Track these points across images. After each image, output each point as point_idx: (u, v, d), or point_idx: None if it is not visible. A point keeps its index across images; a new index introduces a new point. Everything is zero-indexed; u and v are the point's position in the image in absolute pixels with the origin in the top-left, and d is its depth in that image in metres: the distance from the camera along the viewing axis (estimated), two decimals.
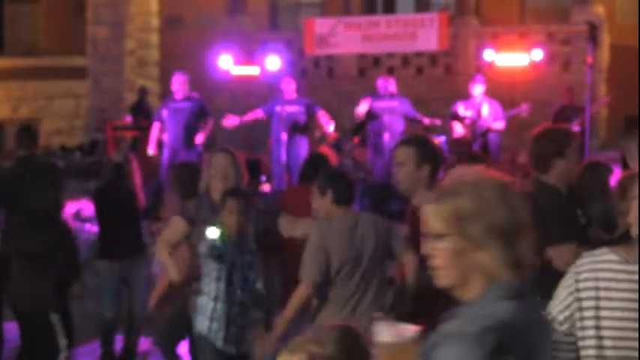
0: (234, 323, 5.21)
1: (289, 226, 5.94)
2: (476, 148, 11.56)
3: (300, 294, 4.84)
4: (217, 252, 5.18)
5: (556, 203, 4.47)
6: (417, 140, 4.80)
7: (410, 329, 2.60)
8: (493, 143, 11.83)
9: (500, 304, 2.22)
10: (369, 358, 2.24)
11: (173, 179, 6.55)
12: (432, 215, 2.33)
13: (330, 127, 11.67)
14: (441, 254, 2.31)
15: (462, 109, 11.77)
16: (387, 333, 2.55)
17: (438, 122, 12.10)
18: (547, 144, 4.54)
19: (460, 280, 2.30)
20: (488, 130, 11.72)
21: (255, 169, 10.19)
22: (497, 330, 2.15)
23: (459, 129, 11.73)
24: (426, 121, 12.01)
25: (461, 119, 11.74)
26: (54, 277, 6.33)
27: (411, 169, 4.66)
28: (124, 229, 7.28)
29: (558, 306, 2.61)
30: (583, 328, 2.55)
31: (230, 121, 11.87)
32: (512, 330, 2.19)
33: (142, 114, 14.14)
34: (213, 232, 5.19)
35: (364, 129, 12.36)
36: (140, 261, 7.24)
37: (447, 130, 12.13)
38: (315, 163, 6.81)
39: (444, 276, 2.33)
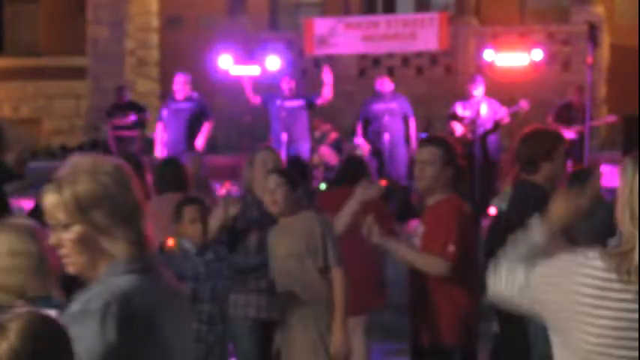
0: (204, 341, 5.04)
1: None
2: (476, 148, 11.55)
3: (343, 281, 5.13)
4: (178, 270, 4.98)
5: (546, 198, 4.50)
6: (444, 141, 4.92)
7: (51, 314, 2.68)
8: (492, 144, 11.82)
9: (120, 278, 2.34)
10: (65, 344, 2.16)
11: (154, 173, 6.55)
12: (54, 206, 2.38)
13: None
14: (67, 244, 2.39)
15: (460, 109, 11.77)
16: None
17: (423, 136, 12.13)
18: (536, 146, 4.58)
19: (89, 265, 2.39)
20: (490, 132, 11.69)
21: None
22: (118, 302, 2.27)
23: (458, 129, 11.72)
24: (412, 133, 11.98)
25: (460, 119, 11.73)
26: None
27: (437, 168, 4.77)
28: None
29: (536, 284, 2.51)
30: (553, 328, 2.50)
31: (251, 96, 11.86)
32: (135, 300, 2.30)
33: (122, 112, 14.03)
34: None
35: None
36: None
37: (446, 130, 12.12)
38: (352, 165, 6.90)
39: (72, 264, 2.41)
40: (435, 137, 5.20)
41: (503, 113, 11.62)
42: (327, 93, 11.67)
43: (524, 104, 11.51)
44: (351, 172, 6.73)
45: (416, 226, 4.96)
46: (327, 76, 11.69)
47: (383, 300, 6.65)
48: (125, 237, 2.39)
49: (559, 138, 4.74)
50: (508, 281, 2.61)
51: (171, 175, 6.36)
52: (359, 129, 12.26)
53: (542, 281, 2.51)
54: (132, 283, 2.35)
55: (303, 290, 5.16)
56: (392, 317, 7.36)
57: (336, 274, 5.14)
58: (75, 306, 2.32)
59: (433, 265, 4.70)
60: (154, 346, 2.35)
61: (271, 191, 5.23)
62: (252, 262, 5.40)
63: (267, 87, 13.26)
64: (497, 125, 11.73)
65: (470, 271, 4.85)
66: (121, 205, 2.40)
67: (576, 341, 2.43)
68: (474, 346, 5.07)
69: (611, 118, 13.15)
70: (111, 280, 2.35)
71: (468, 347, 4.90)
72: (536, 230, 2.72)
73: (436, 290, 4.81)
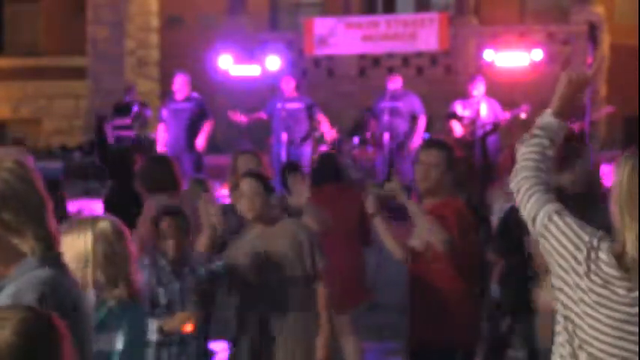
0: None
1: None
2: (476, 149, 11.53)
3: (328, 291, 5.00)
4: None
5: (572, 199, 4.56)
6: (447, 144, 4.99)
7: None
8: (491, 144, 11.79)
9: (38, 272, 2.35)
10: (58, 345, 2.12)
11: (142, 172, 6.17)
12: None
13: (331, 134, 11.71)
14: None
15: (459, 109, 11.72)
16: None
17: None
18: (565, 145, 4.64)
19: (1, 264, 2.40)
20: (489, 133, 11.66)
21: None
22: (51, 292, 2.31)
23: (457, 129, 11.69)
24: (419, 131, 11.97)
25: (459, 119, 11.69)
26: None
27: (441, 171, 4.79)
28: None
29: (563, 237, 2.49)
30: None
31: (238, 117, 11.88)
32: (62, 291, 2.35)
33: (123, 112, 14.10)
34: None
35: (362, 129, 12.40)
36: None
37: (445, 130, 12.09)
38: (325, 163, 6.81)
39: None
40: (438, 140, 5.22)
41: (504, 116, 11.57)
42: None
43: (525, 108, 11.45)
44: (324, 170, 6.62)
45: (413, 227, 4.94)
46: (325, 126, 11.70)
47: (363, 298, 6.57)
48: (33, 234, 2.38)
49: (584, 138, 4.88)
50: (527, 203, 2.63)
51: (160, 173, 6.00)
52: (371, 125, 12.26)
53: (554, 233, 2.52)
54: (53, 275, 2.35)
55: (293, 302, 4.94)
56: (391, 317, 7.36)
57: (321, 284, 4.96)
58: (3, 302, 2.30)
59: (437, 234, 4.66)
60: (81, 335, 2.38)
61: (249, 197, 4.91)
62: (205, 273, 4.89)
63: (268, 87, 13.29)
64: (496, 126, 11.70)
65: (471, 271, 4.86)
66: (26, 201, 2.38)
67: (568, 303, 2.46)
68: (474, 346, 5.08)
69: (610, 109, 13.12)
70: (29, 275, 2.34)
71: (469, 347, 4.91)
72: (547, 114, 2.77)
73: (438, 290, 4.81)
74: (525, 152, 2.71)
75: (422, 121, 11.96)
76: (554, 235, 2.51)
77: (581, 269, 2.42)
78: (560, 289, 2.50)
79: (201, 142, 11.20)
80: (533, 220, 2.58)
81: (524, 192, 2.64)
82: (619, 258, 2.37)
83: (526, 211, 2.62)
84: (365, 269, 6.55)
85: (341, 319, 6.02)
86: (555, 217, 2.53)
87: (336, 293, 5.20)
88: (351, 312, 6.28)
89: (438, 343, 4.80)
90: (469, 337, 4.88)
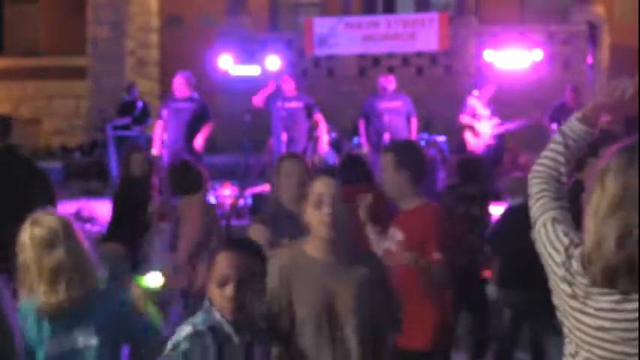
0: None
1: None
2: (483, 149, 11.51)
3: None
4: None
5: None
6: (397, 146, 4.91)
7: None
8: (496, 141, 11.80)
9: None
10: None
11: (170, 178, 6.54)
12: None
13: (324, 138, 11.67)
14: None
15: (479, 107, 11.61)
16: None
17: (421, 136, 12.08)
18: None
19: None
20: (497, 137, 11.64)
21: None
22: None
23: (473, 141, 11.57)
24: (413, 133, 11.95)
25: (474, 131, 11.57)
26: None
27: (390, 174, 4.73)
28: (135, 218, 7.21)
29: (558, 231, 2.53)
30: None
31: (256, 101, 11.85)
32: None
33: (132, 112, 14.17)
34: (154, 279, 3.44)
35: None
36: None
37: (449, 130, 12.05)
38: (349, 164, 6.76)
39: None
40: (391, 143, 5.21)
41: (516, 124, 11.56)
42: (323, 145, 11.69)
43: (536, 116, 11.44)
44: (351, 170, 6.61)
45: (391, 230, 4.89)
46: (322, 128, 11.64)
47: None
48: None
49: (609, 136, 4.76)
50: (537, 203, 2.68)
51: (184, 178, 6.35)
52: (361, 127, 12.23)
53: (543, 239, 2.57)
54: None
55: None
56: None
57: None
58: None
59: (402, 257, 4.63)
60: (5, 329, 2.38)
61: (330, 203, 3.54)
62: None
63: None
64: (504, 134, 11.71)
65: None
66: None
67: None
68: (447, 347, 5.06)
69: (605, 117, 13.09)
70: None
71: (442, 348, 4.88)
72: (573, 118, 2.82)
73: (408, 290, 4.74)
74: (540, 156, 2.79)
75: (415, 123, 12.00)
76: (543, 240, 2.57)
77: (561, 274, 2.46)
78: (553, 293, 2.54)
79: (199, 142, 11.15)
80: (534, 223, 2.64)
81: (533, 196, 2.71)
82: (584, 260, 2.40)
83: (531, 214, 2.68)
84: None
85: None
86: (549, 224, 2.58)
87: None
88: None
89: (409, 344, 4.74)
90: (441, 338, 4.80)
